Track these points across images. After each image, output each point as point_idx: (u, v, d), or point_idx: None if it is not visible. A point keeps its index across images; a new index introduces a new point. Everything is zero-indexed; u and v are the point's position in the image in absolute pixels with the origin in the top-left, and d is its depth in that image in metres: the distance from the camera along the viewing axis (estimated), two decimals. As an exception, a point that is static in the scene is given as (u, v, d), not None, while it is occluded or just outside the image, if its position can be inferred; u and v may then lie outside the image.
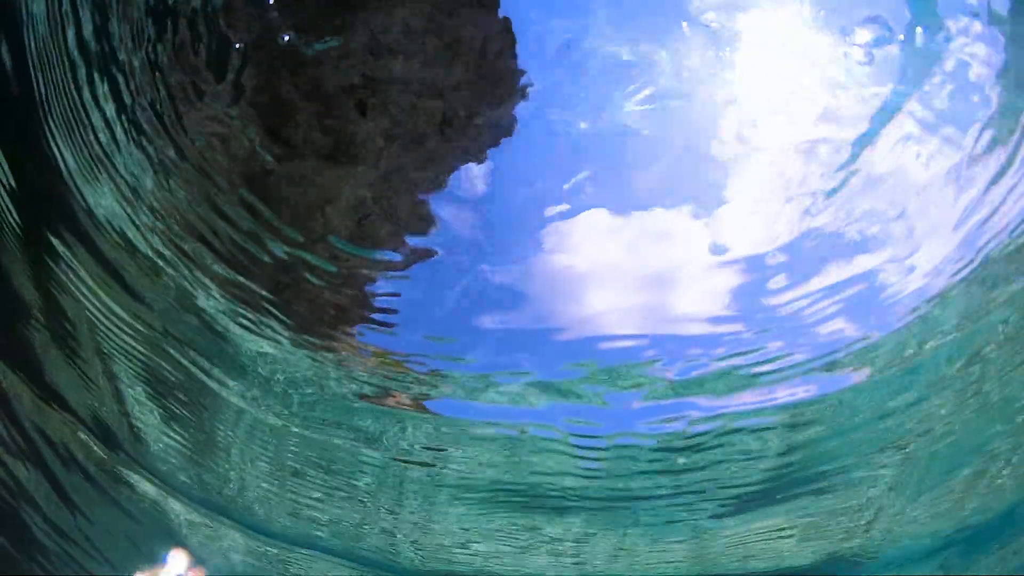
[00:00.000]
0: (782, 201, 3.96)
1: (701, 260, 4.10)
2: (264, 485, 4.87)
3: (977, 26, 3.39)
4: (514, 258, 4.22)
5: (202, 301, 4.20)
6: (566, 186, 4.08)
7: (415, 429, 4.52)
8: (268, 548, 5.18)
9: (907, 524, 4.57)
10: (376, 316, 4.36)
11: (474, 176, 4.09)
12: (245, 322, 4.27)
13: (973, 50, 3.42)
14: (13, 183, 4.07)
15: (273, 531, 5.11)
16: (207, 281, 4.14)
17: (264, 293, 4.19)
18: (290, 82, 3.71)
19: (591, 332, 4.21)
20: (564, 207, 4.10)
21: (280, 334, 4.30)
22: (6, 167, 3.94)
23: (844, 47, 3.63)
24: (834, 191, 3.86)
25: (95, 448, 5.04)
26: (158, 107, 3.68)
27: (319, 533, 5.07)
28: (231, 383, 4.47)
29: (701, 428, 4.26)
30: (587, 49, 3.93)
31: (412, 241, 4.19)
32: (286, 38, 3.47)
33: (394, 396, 4.45)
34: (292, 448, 4.71)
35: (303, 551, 5.17)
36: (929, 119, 3.58)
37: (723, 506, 4.58)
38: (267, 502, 4.95)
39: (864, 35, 3.57)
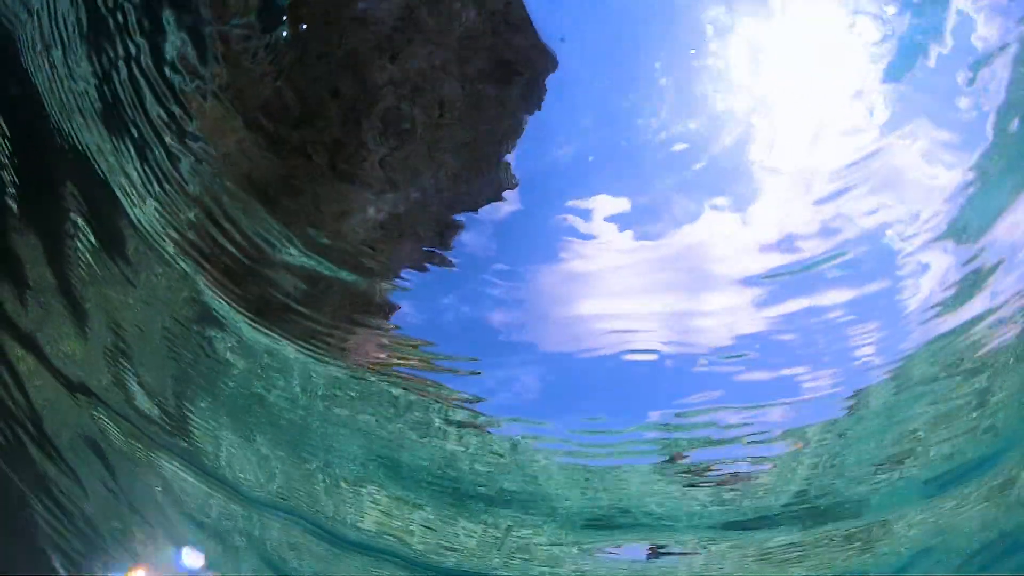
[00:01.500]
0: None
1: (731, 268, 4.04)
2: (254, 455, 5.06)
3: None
4: (532, 264, 4.18)
5: (206, 297, 4.23)
6: (584, 202, 4.00)
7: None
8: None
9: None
10: (385, 321, 4.35)
11: (492, 181, 4.00)
12: (253, 322, 4.29)
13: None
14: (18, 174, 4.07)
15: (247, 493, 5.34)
16: (213, 280, 4.15)
17: (274, 296, 4.20)
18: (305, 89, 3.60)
19: (608, 342, 4.20)
20: (584, 210, 4.03)
21: (281, 337, 4.35)
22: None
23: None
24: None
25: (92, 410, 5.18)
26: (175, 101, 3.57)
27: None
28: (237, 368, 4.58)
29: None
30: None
31: (426, 250, 4.13)
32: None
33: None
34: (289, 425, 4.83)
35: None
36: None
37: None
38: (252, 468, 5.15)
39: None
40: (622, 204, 3.94)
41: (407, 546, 5.29)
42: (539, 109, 3.78)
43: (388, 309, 4.29)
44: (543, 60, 3.65)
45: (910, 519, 4.79)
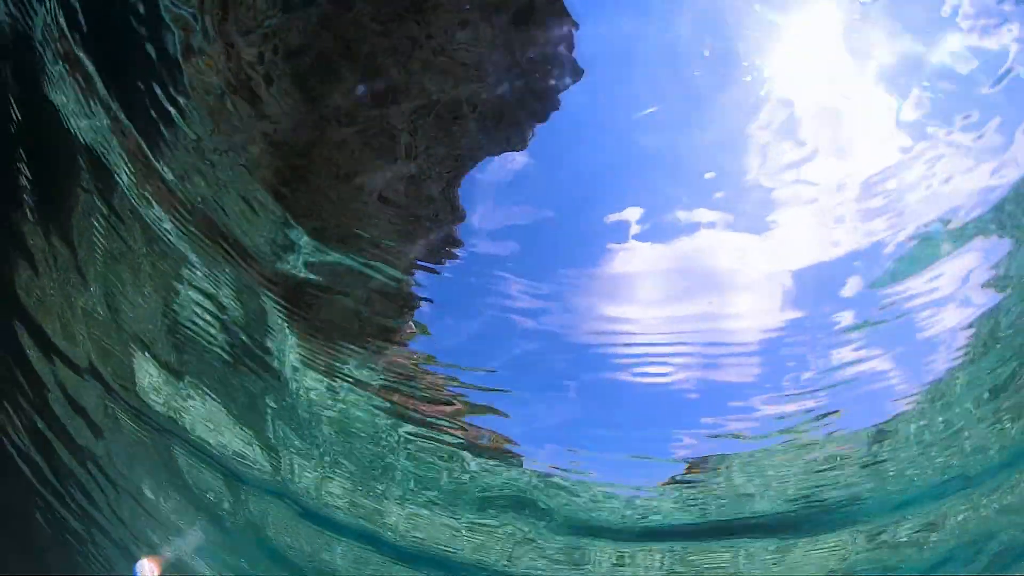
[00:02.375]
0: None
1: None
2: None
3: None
4: (556, 274, 4.17)
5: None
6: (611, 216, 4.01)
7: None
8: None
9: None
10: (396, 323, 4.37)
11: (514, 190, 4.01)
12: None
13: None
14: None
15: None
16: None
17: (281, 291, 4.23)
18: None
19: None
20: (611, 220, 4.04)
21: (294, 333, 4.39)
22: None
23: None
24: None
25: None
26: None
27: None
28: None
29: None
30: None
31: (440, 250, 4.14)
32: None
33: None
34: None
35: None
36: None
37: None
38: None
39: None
40: (642, 214, 3.97)
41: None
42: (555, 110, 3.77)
43: (407, 306, 4.32)
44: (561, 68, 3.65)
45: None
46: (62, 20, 3.46)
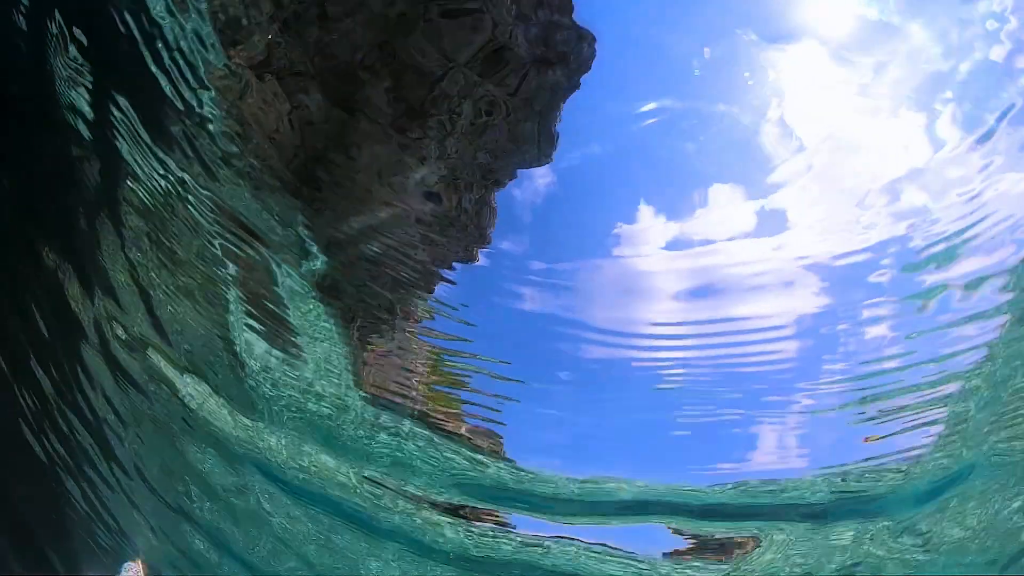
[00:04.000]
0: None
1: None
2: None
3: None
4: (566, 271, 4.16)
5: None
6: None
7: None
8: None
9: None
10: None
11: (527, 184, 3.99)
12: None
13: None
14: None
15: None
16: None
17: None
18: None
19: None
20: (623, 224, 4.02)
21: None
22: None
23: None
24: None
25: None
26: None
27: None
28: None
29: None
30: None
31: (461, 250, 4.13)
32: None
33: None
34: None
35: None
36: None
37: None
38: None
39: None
40: (656, 213, 3.95)
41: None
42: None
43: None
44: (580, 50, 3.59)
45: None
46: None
